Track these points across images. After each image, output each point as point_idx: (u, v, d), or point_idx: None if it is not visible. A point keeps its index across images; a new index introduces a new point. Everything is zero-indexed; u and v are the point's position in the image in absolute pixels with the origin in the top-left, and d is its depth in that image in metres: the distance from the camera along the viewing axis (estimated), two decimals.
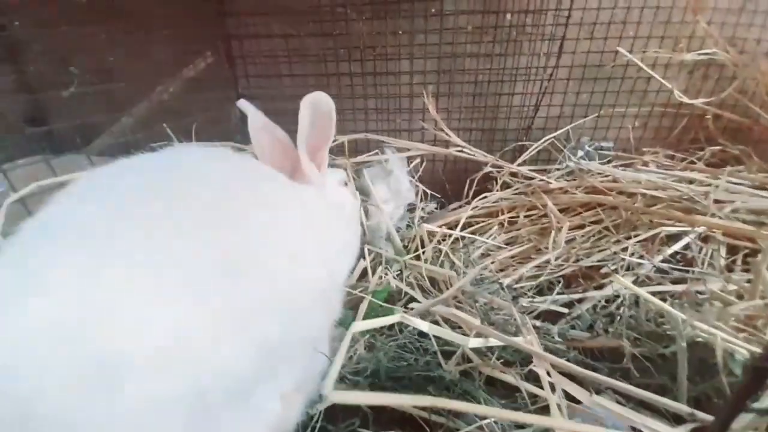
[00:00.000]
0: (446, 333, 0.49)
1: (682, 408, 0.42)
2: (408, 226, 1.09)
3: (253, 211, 0.50)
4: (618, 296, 0.78)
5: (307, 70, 1.22)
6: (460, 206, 1.18)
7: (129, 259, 0.36)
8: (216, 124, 1.08)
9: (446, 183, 1.26)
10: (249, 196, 0.53)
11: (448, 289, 0.80)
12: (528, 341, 0.56)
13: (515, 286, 0.86)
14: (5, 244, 0.38)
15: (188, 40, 1.07)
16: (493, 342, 0.50)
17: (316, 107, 0.66)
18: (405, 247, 0.99)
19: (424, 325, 0.49)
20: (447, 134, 1.13)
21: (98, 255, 0.35)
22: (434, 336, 0.54)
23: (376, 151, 1.11)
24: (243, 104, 0.75)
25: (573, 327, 0.76)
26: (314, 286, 0.54)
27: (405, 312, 0.69)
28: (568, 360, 0.66)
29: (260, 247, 0.47)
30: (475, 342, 0.48)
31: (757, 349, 0.50)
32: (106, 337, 0.32)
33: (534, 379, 0.57)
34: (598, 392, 0.57)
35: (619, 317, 0.73)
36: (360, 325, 0.45)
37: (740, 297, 0.76)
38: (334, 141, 0.75)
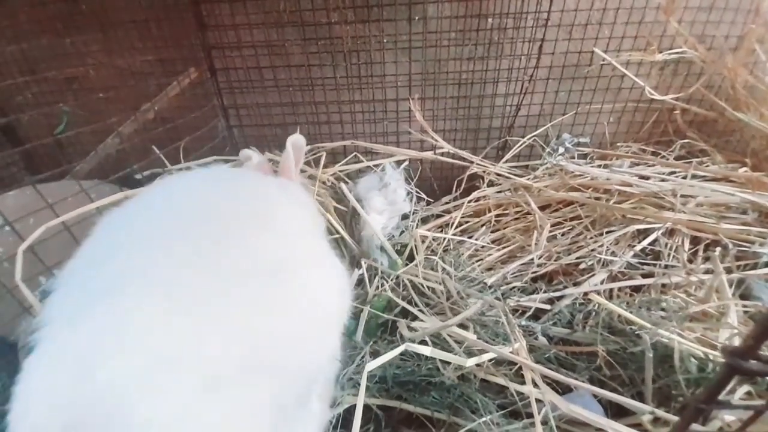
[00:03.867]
0: (447, 356, 0.56)
1: (645, 408, 0.50)
2: (402, 233, 1.14)
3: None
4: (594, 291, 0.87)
5: (291, 77, 1.22)
6: (450, 201, 1.24)
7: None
8: (204, 139, 1.08)
9: (433, 182, 1.31)
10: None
11: (442, 290, 0.88)
12: (516, 349, 0.63)
13: (503, 286, 0.94)
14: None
15: (169, 56, 1.05)
16: (488, 355, 0.57)
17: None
18: (399, 252, 1.04)
19: (426, 350, 0.55)
20: (434, 139, 1.17)
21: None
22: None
23: (354, 153, 1.14)
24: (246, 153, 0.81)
25: (554, 323, 0.85)
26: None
27: (404, 321, 0.77)
28: (549, 358, 0.75)
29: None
30: (473, 361, 0.54)
31: (709, 350, 0.59)
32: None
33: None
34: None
35: (594, 313, 0.83)
36: (373, 363, 0.50)
37: (701, 284, 0.86)
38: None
